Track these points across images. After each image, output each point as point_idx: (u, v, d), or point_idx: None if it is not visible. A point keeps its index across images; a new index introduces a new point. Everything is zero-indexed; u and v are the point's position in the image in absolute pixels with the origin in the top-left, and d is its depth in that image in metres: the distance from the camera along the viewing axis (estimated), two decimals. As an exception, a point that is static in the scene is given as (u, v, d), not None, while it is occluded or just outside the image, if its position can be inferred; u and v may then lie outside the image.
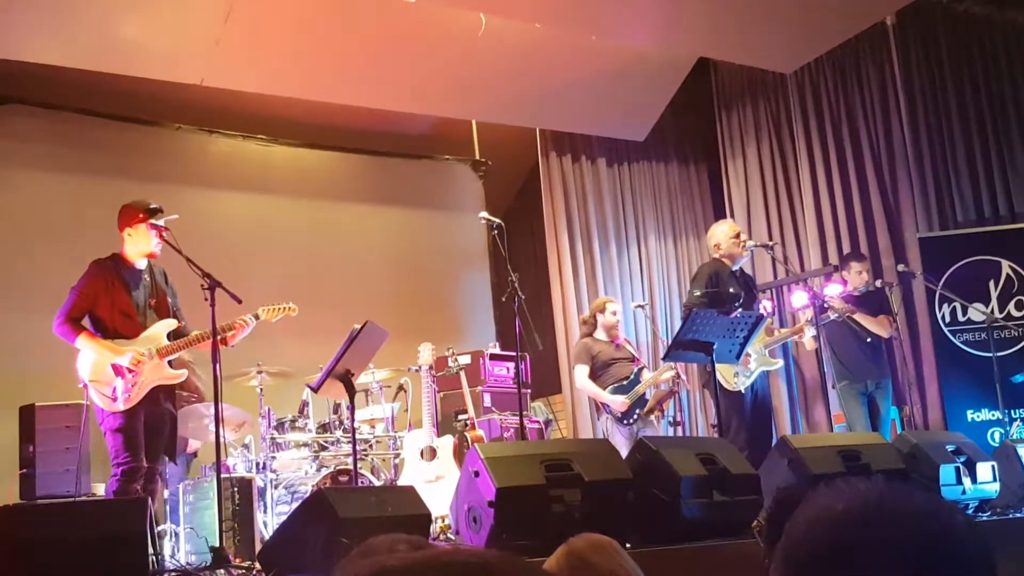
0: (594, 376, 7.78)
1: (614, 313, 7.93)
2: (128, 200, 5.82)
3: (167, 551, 6.60)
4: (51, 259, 8.00)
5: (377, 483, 7.26)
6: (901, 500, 1.04)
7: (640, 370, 7.74)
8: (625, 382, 7.67)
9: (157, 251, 5.72)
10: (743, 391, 7.20)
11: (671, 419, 8.44)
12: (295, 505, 6.31)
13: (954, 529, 1.02)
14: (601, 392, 7.70)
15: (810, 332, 7.46)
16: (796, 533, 1.06)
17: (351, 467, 6.29)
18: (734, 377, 7.13)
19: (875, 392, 7.94)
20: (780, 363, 7.88)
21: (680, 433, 8.52)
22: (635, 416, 7.59)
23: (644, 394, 7.66)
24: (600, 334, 7.92)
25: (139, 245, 5.69)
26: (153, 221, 5.62)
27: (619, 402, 7.59)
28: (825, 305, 7.77)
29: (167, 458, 5.94)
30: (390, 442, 7.82)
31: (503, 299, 6.87)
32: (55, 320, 5.56)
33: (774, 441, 7.51)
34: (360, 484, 6.45)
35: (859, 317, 7.83)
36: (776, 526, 2.49)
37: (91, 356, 5.53)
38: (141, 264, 5.74)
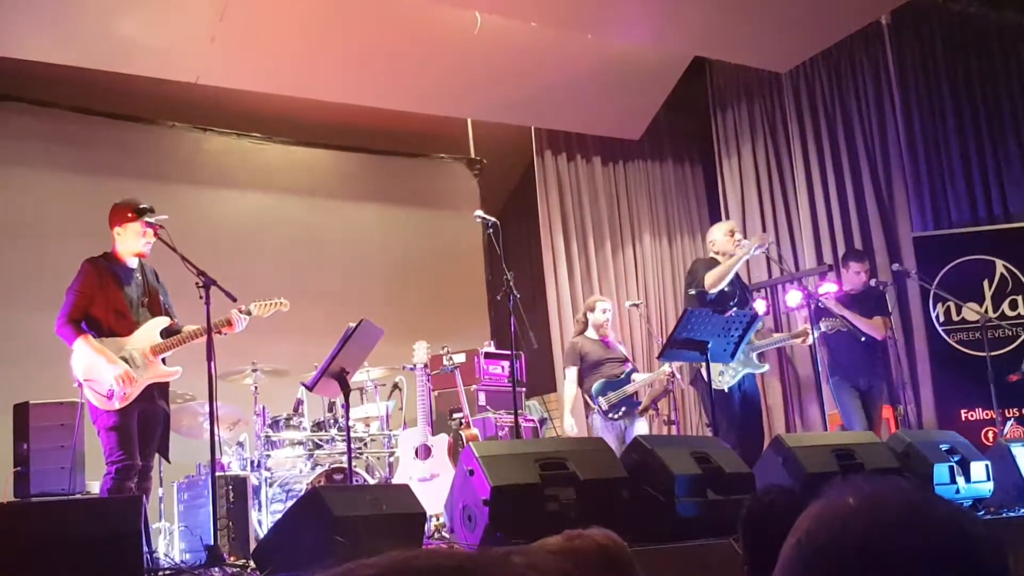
0: (583, 376, 7.80)
1: (604, 311, 7.95)
2: (120, 198, 5.81)
3: (162, 549, 6.60)
4: (45, 257, 7.99)
5: (372, 481, 7.26)
6: (928, 508, 1.03)
7: (631, 371, 7.75)
8: (615, 379, 7.68)
9: (146, 251, 5.71)
10: (727, 390, 7.20)
11: (666, 418, 8.46)
12: (289, 503, 6.32)
13: (978, 539, 1.01)
14: (567, 405, 7.80)
15: (812, 338, 7.46)
16: (820, 537, 1.04)
17: (346, 465, 6.29)
18: (719, 376, 7.12)
19: (867, 392, 7.93)
20: (766, 367, 7.88)
21: (674, 432, 8.53)
22: (620, 412, 7.60)
23: (633, 395, 7.67)
24: (591, 332, 7.94)
25: (128, 244, 5.68)
26: (146, 219, 5.61)
27: (569, 428, 7.72)
28: (820, 305, 7.77)
29: (161, 456, 5.92)
30: (385, 440, 7.83)
31: (498, 298, 6.87)
32: (56, 322, 5.55)
33: (765, 440, 7.54)
34: (355, 482, 6.46)
35: (852, 318, 7.82)
36: (756, 532, 2.50)
37: (86, 355, 5.52)
38: (133, 263, 5.73)
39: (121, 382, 5.44)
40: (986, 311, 8.94)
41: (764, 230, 10.29)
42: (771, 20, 8.55)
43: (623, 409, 7.62)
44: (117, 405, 5.45)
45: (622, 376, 7.70)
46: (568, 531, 2.04)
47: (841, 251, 9.47)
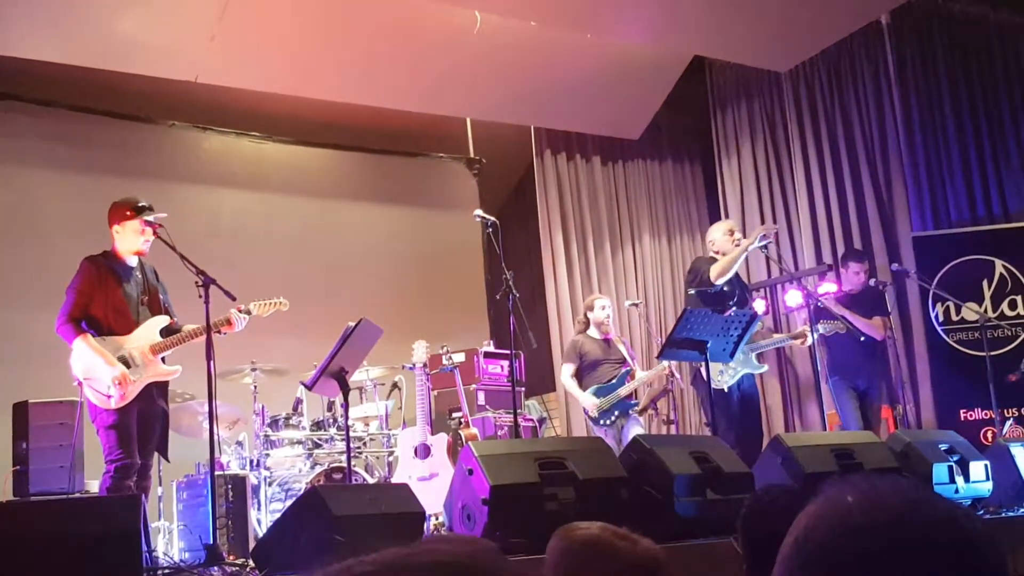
0: (581, 375, 7.81)
1: (603, 308, 7.95)
2: (120, 197, 5.80)
3: (161, 548, 6.60)
4: (45, 256, 7.99)
5: (371, 481, 7.26)
6: (926, 506, 1.03)
7: (626, 373, 7.73)
8: (608, 384, 7.68)
9: (145, 249, 5.70)
10: (726, 390, 7.21)
11: (665, 418, 8.45)
12: (289, 503, 6.32)
13: (977, 538, 1.01)
14: (579, 393, 7.76)
15: (811, 339, 7.46)
16: (818, 536, 1.04)
17: (345, 464, 6.29)
18: (718, 375, 7.13)
19: (866, 392, 7.93)
20: (765, 368, 7.88)
21: (673, 432, 8.53)
22: (612, 418, 7.60)
23: (626, 397, 7.66)
24: (593, 331, 7.94)
25: (127, 242, 5.68)
26: (145, 217, 5.61)
27: (590, 405, 7.64)
28: (820, 305, 7.77)
29: (160, 455, 5.92)
30: (384, 440, 7.82)
31: (497, 297, 6.87)
32: (57, 320, 5.55)
33: (764, 439, 7.54)
34: (354, 482, 6.46)
35: (851, 318, 7.82)
36: (756, 532, 2.50)
37: (85, 354, 5.51)
38: (132, 261, 5.73)
39: (117, 385, 5.44)
40: (985, 311, 8.94)
41: (764, 230, 10.29)
42: (771, 20, 8.55)
43: (615, 413, 7.61)
44: (114, 405, 5.44)
45: (615, 380, 7.69)
46: (627, 532, 2.03)
47: (841, 251, 9.47)
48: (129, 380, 5.47)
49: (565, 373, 7.91)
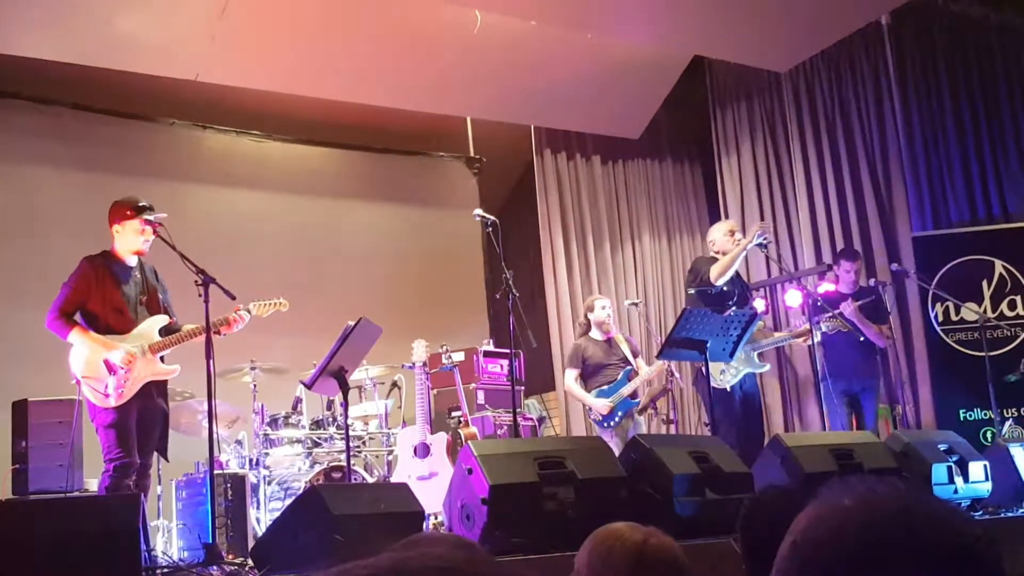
0: (586, 378, 7.80)
1: (604, 308, 7.94)
2: (120, 196, 5.80)
3: (160, 547, 6.60)
4: (44, 254, 7.98)
5: (370, 480, 7.26)
6: (923, 508, 1.03)
7: (627, 372, 7.73)
8: (607, 387, 7.68)
9: (145, 248, 5.70)
10: (728, 389, 7.20)
11: (665, 417, 8.45)
12: (288, 502, 6.32)
13: (973, 539, 1.01)
14: (585, 396, 7.75)
15: (815, 338, 7.44)
16: (816, 538, 1.04)
17: (344, 464, 6.29)
18: (720, 375, 7.13)
19: (861, 393, 7.92)
20: (767, 367, 7.87)
21: (673, 431, 8.53)
22: (615, 419, 7.60)
23: (629, 396, 7.66)
24: (595, 333, 7.93)
25: (127, 241, 5.67)
26: (145, 216, 5.61)
27: (601, 405, 7.62)
28: (837, 313, 7.74)
29: (159, 455, 5.91)
30: (383, 439, 7.82)
31: (497, 296, 6.87)
32: (48, 315, 5.54)
33: (766, 439, 7.53)
34: (353, 481, 6.46)
35: (864, 328, 7.78)
36: (755, 532, 2.50)
37: (84, 352, 5.51)
38: (132, 261, 5.72)
39: (127, 365, 5.44)
40: (985, 311, 8.94)
41: (763, 229, 10.29)
42: (771, 20, 8.55)
43: (619, 414, 7.61)
44: (114, 403, 5.44)
45: (616, 380, 7.68)
46: (653, 530, 2.08)
47: (840, 249, 9.46)
48: (136, 357, 5.48)
49: (568, 378, 7.89)
